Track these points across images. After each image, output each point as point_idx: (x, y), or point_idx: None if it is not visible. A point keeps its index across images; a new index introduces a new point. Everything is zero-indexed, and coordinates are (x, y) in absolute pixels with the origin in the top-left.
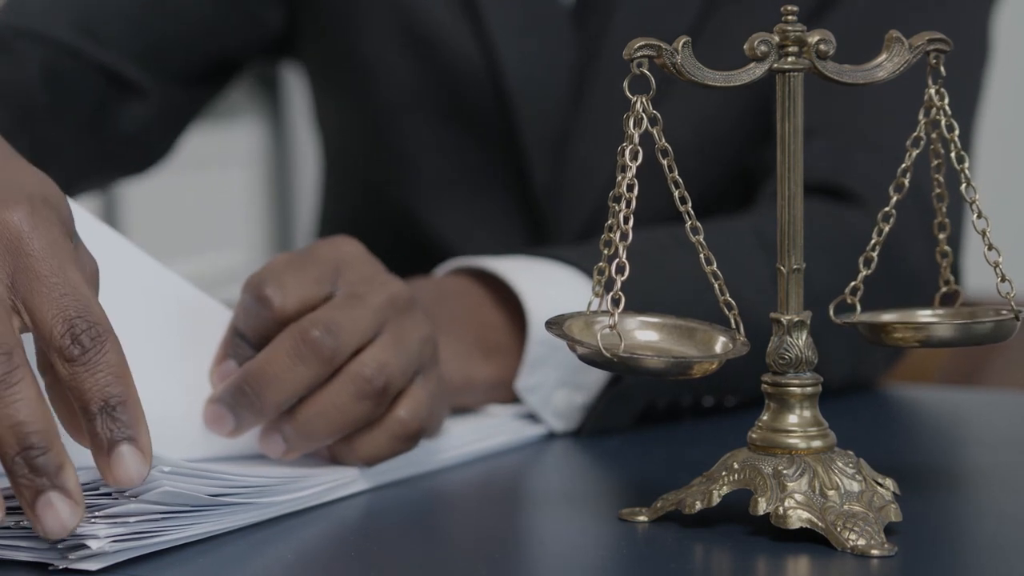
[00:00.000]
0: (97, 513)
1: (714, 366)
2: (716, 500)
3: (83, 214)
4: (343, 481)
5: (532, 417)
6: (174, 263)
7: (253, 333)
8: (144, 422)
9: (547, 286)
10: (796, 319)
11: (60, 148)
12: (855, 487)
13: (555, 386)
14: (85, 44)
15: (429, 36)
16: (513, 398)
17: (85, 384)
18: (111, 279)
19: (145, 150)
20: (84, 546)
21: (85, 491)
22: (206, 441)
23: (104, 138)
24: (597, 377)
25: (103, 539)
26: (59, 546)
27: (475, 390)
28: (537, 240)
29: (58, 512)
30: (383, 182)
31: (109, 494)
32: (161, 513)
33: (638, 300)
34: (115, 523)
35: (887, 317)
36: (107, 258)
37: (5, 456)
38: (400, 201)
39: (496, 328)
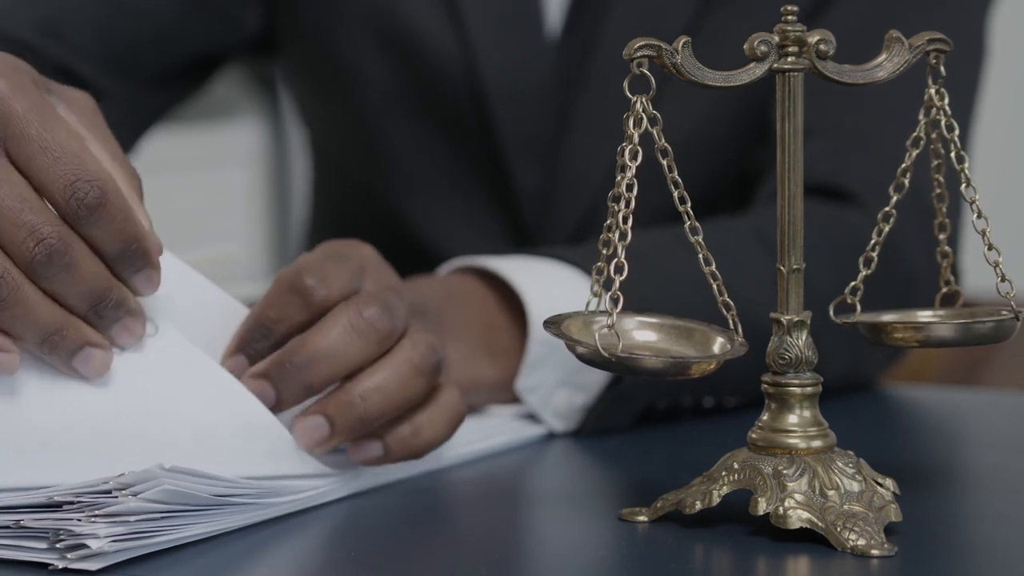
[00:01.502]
0: (97, 512)
1: (712, 366)
2: (716, 500)
3: None
4: (343, 481)
5: (532, 417)
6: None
7: (287, 324)
8: (155, 248)
9: (549, 286)
10: (796, 319)
11: None
12: (855, 487)
13: (555, 386)
14: (45, 44)
15: (409, 37)
16: (516, 398)
17: (102, 239)
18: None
19: None
20: (84, 546)
21: (84, 491)
22: (245, 452)
23: None
24: (597, 378)
25: (103, 539)
26: (58, 545)
27: (480, 391)
28: (522, 242)
29: (131, 329)
30: (368, 181)
31: (109, 492)
32: (161, 512)
33: (639, 300)
34: (115, 522)
35: (887, 317)
36: None
37: (79, 312)
38: (385, 200)
39: (501, 329)
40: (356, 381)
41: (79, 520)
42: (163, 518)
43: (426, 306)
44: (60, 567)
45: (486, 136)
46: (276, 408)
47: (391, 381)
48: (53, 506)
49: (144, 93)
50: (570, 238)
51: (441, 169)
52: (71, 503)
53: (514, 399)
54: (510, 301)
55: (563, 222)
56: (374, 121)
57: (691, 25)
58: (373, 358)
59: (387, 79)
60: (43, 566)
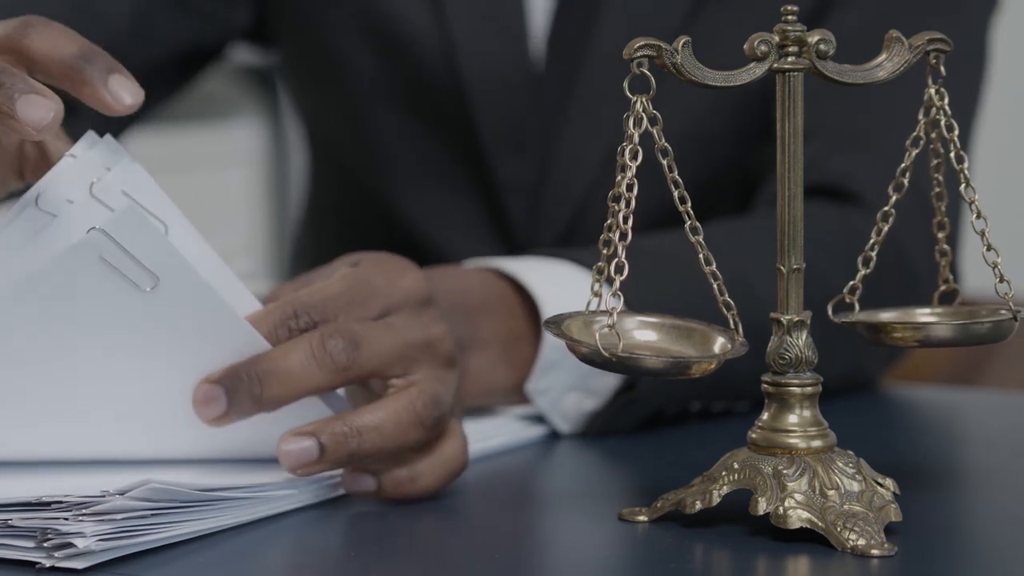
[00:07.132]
0: (84, 511)
1: (712, 366)
2: (716, 500)
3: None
4: (339, 480)
5: (535, 418)
6: None
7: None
8: (29, 77)
9: (565, 290)
10: (796, 319)
11: None
12: (855, 487)
13: (565, 390)
14: None
15: (392, 27)
16: (525, 400)
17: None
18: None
19: None
20: (70, 544)
21: (72, 496)
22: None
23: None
24: (608, 383)
25: (89, 537)
26: (45, 544)
27: (493, 396)
28: (509, 238)
29: (37, 105)
30: (361, 172)
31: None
32: (149, 511)
33: (650, 299)
34: (101, 520)
35: (886, 317)
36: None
37: None
38: (378, 191)
39: (522, 339)
40: (356, 414)
41: (66, 519)
42: (151, 516)
43: (460, 311)
44: (47, 566)
45: (466, 128)
46: (224, 418)
47: (389, 424)
48: (41, 505)
49: None
50: (559, 237)
51: (426, 161)
52: (59, 502)
53: (523, 401)
54: (532, 306)
55: (551, 221)
56: (364, 112)
57: (685, 22)
58: (331, 387)
59: (374, 70)
60: (30, 564)
